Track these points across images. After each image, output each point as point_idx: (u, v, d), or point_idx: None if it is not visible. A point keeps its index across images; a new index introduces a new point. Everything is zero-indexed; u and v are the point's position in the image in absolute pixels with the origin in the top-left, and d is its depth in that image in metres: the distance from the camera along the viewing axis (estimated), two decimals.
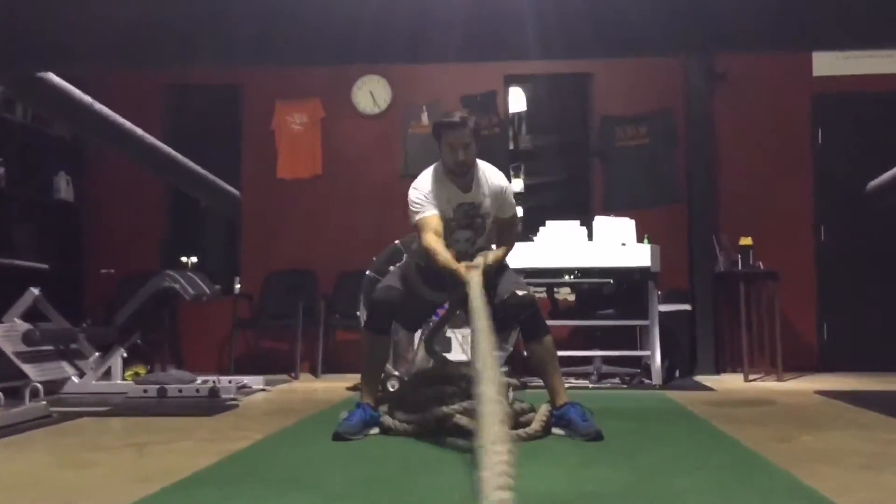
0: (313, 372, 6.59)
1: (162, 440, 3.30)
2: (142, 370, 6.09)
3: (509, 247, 3.54)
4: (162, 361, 6.56)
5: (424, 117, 6.95)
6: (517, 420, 3.29)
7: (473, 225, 3.44)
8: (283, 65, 5.74)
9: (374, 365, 3.50)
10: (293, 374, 6.37)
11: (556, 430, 3.30)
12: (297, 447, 3.17)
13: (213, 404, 4.51)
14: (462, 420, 3.16)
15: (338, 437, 3.20)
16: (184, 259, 7.63)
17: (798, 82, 6.76)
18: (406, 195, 3.40)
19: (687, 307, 6.30)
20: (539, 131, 7.47)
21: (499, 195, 3.43)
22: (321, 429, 3.35)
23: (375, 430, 3.36)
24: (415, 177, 3.44)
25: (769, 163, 6.70)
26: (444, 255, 3.24)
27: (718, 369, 6.44)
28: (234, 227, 7.33)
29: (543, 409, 3.31)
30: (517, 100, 7.79)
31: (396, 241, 5.08)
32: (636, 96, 6.90)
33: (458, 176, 3.37)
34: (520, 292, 3.32)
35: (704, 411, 4.14)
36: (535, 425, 3.23)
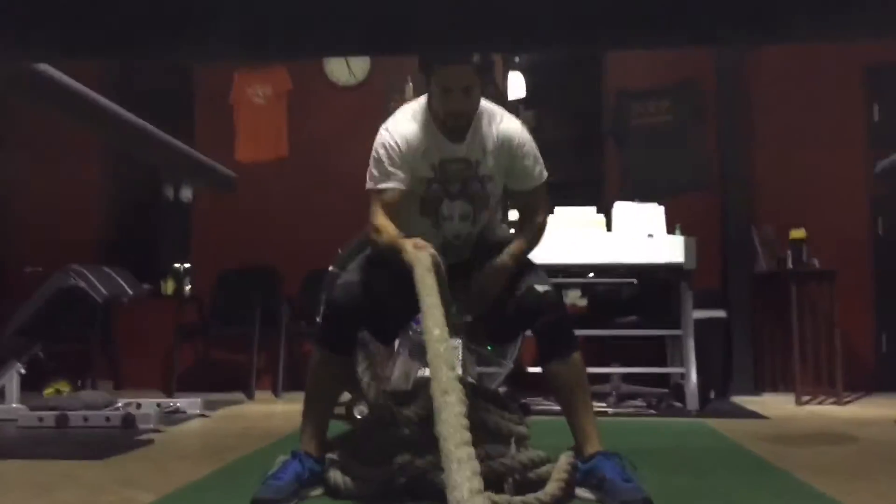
0: (274, 390, 5.53)
1: None
2: (65, 386, 5.00)
3: (533, 238, 2.49)
4: (92, 377, 5.49)
5: (409, 90, 5.87)
6: (525, 477, 2.24)
7: (469, 193, 2.41)
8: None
9: (322, 397, 2.43)
10: (249, 393, 5.30)
11: (582, 493, 2.26)
12: None
13: (121, 438, 3.45)
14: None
15: (258, 503, 2.14)
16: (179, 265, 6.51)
17: (848, 50, 5.71)
18: None
19: (721, 313, 5.24)
20: (541, 106, 6.42)
21: (509, 151, 2.39)
22: (245, 483, 2.28)
23: (317, 492, 2.30)
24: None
25: (815, 143, 5.62)
26: (389, 232, 2.31)
27: (758, 388, 5.38)
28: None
29: (565, 462, 2.25)
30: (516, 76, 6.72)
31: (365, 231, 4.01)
32: (657, 66, 5.82)
33: (452, 130, 2.36)
34: (540, 287, 2.32)
35: (771, 452, 3.08)
36: (553, 487, 2.16)
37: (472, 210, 2.43)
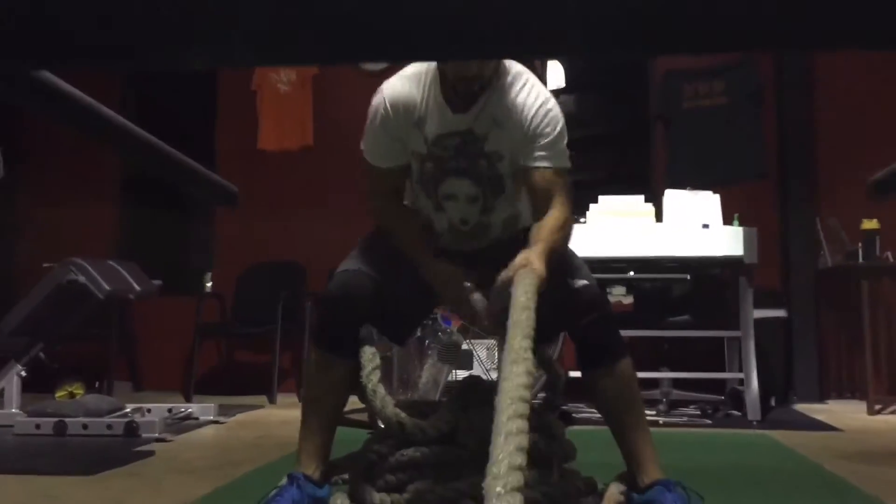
0: (298, 393, 5.21)
1: None
2: (79, 389, 4.74)
3: (563, 227, 1.96)
4: (108, 378, 5.22)
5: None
6: None
7: (476, 172, 2.00)
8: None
9: (322, 408, 2.06)
10: (271, 397, 4.98)
11: None
12: None
13: (121, 448, 3.14)
14: None
15: None
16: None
17: None
18: None
19: (781, 313, 4.79)
20: (583, 87, 6.00)
21: (526, 123, 1.94)
22: None
23: None
24: None
25: (886, 128, 5.14)
26: (409, 236, 2.01)
27: (823, 395, 4.91)
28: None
29: (615, 493, 1.86)
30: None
31: None
32: None
33: (461, 97, 1.95)
34: (580, 283, 1.94)
35: (853, 473, 2.65)
36: None
37: (482, 193, 2.01)
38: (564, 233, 1.95)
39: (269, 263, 5.52)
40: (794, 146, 5.10)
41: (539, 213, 1.96)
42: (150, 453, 3.09)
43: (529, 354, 1.35)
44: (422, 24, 0.65)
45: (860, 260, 4.50)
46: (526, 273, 1.68)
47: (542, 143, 1.95)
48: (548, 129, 1.94)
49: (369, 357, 2.01)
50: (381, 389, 1.98)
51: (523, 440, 1.09)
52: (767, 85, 5.25)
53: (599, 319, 1.95)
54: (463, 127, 1.95)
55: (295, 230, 5.52)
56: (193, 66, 0.72)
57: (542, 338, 2.39)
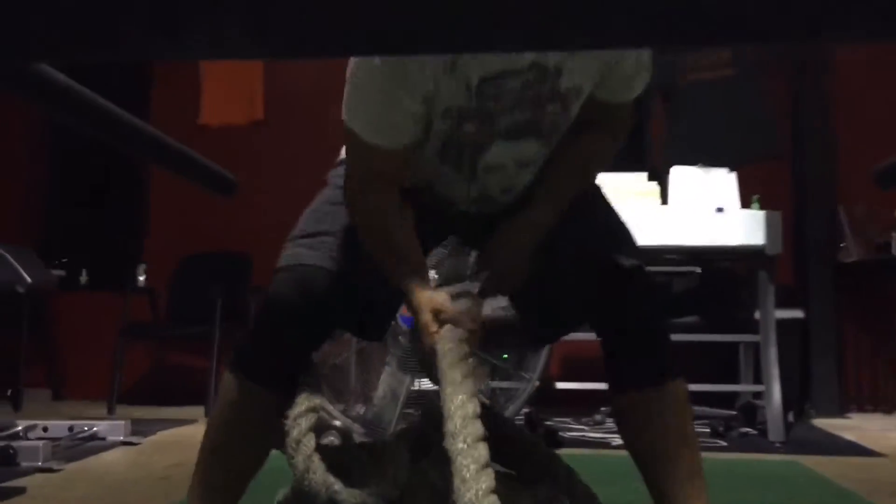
0: None
1: None
2: None
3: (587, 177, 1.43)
4: (17, 386, 4.49)
5: None
6: None
7: (541, 125, 1.28)
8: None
9: (231, 456, 1.41)
10: (207, 409, 4.27)
11: None
12: None
13: None
14: None
15: None
16: None
17: None
18: None
19: (797, 313, 4.16)
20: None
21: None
22: None
23: None
24: None
25: None
26: (410, 255, 1.31)
27: (843, 408, 4.30)
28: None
29: None
30: None
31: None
32: None
33: None
34: (629, 262, 1.33)
35: None
36: None
37: (543, 151, 1.32)
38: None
39: (210, 254, 4.81)
40: (810, 123, 4.47)
41: (589, 148, 1.37)
42: (20, 490, 2.38)
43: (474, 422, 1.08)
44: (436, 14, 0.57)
45: (894, 251, 3.89)
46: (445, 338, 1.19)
47: (627, 65, 1.27)
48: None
49: (304, 396, 1.33)
50: (310, 443, 1.29)
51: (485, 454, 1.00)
52: (780, 53, 4.61)
53: (651, 319, 1.30)
54: (524, 63, 1.20)
55: (240, 215, 4.81)
56: (189, 56, 0.67)
57: (554, 333, 1.62)
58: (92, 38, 0.62)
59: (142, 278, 4.93)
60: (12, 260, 3.06)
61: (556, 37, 0.61)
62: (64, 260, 5.15)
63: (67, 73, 1.25)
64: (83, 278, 5.15)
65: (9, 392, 4.56)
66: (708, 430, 3.59)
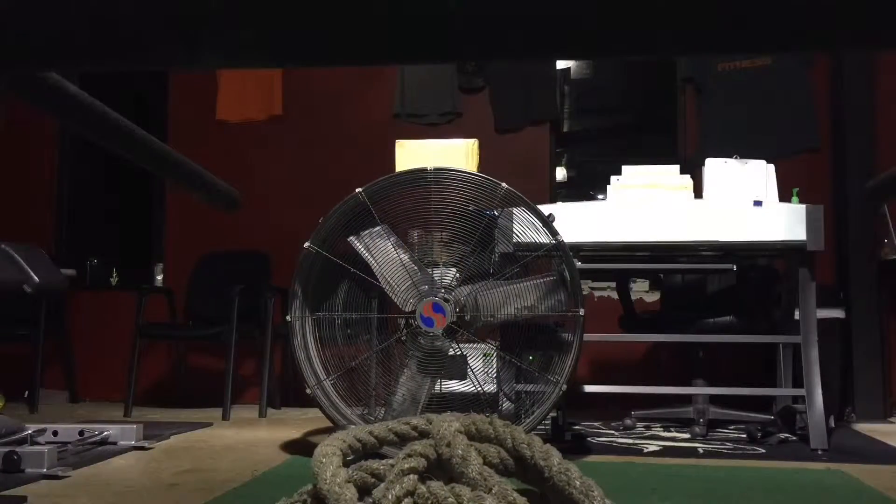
0: (272, 404, 4.43)
1: None
2: None
3: None
4: (33, 387, 4.42)
5: None
6: None
7: None
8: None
9: None
10: (224, 412, 4.16)
11: None
12: None
13: None
14: None
15: None
16: None
17: None
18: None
19: (838, 313, 3.97)
20: None
21: None
22: None
23: None
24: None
25: None
26: None
27: (886, 412, 4.09)
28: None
29: None
30: None
31: (358, 190, 2.83)
32: None
33: None
34: None
35: None
36: None
37: None
38: None
39: (228, 253, 4.71)
40: (852, 115, 4.26)
41: None
42: (21, 499, 2.28)
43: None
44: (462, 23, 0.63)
45: None
46: None
47: None
48: None
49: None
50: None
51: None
52: None
53: None
54: None
55: (259, 215, 4.71)
56: (203, 67, 0.53)
57: None
58: (111, 47, 0.67)
59: (159, 278, 4.84)
60: (20, 259, 2.96)
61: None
62: (94, 261, 5.11)
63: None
64: (114, 279, 5.09)
65: (25, 394, 4.50)
66: (744, 436, 3.42)
